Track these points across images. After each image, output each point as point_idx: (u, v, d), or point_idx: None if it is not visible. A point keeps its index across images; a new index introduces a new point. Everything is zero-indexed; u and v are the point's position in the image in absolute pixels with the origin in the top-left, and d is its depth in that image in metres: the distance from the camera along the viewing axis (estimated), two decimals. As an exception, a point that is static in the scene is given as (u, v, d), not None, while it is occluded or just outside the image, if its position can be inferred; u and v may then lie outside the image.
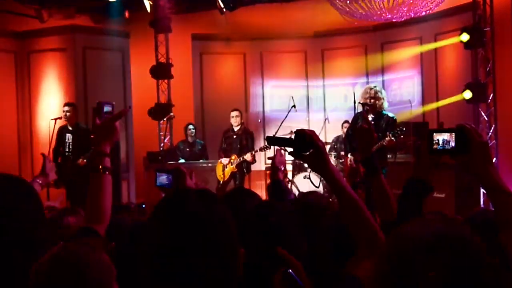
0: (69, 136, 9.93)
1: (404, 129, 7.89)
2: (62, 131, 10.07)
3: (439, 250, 1.40)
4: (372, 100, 8.26)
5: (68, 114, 9.97)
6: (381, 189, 2.73)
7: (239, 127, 10.57)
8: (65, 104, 10.25)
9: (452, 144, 1.91)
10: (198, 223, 1.62)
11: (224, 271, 1.61)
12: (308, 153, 1.99)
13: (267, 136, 2.03)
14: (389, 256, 1.45)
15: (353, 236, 2.04)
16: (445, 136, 1.93)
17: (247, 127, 11.15)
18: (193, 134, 11.68)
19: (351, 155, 8.62)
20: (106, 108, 2.67)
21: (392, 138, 7.78)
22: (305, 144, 1.99)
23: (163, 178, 2.79)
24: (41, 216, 2.19)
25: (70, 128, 10.01)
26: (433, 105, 11.95)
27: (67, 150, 9.89)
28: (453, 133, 1.91)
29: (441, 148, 1.94)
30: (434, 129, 1.96)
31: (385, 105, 8.36)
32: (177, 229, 1.61)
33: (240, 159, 10.25)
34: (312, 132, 2.00)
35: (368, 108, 8.30)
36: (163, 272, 1.60)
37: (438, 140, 1.95)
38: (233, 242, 1.66)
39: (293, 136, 2.01)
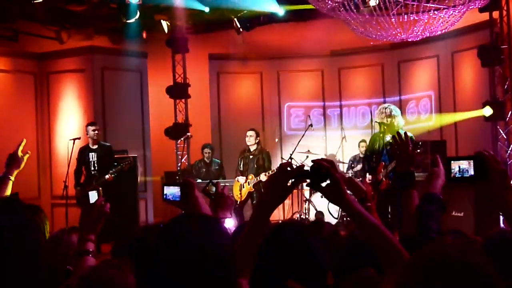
0: (92, 155, 10.13)
1: (420, 144, 7.90)
2: (84, 151, 10.23)
3: (456, 278, 1.40)
4: (388, 119, 8.28)
5: (96, 133, 10.25)
6: (409, 204, 2.75)
7: (255, 147, 10.56)
8: (91, 124, 10.43)
9: (471, 172, 1.91)
10: (199, 247, 1.63)
11: None
12: (325, 184, 2.00)
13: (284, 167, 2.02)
14: (408, 280, 1.45)
15: (379, 258, 2.03)
16: (464, 164, 1.93)
17: (263, 147, 11.16)
18: (208, 156, 11.74)
19: (369, 174, 8.62)
20: (92, 198, 2.79)
21: None
22: (321, 176, 1.99)
23: (170, 192, 2.82)
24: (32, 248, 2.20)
25: (93, 147, 10.20)
26: (451, 118, 11.88)
27: (92, 168, 10.09)
28: (471, 161, 1.91)
29: (460, 176, 1.94)
30: (452, 157, 1.96)
31: (401, 122, 8.40)
32: (177, 254, 1.63)
33: (257, 179, 10.25)
34: (330, 163, 2.01)
35: (385, 127, 8.31)
36: None
37: (456, 168, 1.94)
38: (230, 269, 1.67)
39: (309, 165, 2.02)
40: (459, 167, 1.94)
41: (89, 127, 10.30)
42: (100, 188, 2.83)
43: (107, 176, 9.85)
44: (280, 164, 2.12)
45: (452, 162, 1.96)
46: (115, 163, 10.02)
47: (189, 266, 1.59)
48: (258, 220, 2.01)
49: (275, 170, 10.02)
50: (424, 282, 1.42)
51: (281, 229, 2.35)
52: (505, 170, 1.89)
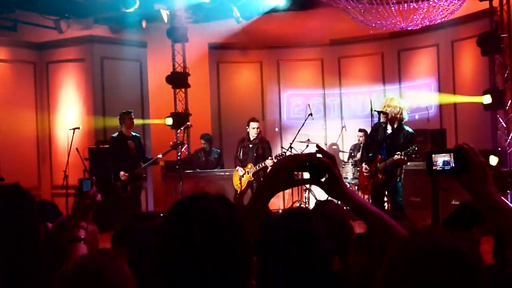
0: (131, 143, 10.40)
1: (416, 148, 8.00)
2: (124, 138, 10.44)
3: (432, 263, 1.44)
4: (388, 109, 8.30)
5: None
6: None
7: (255, 136, 10.57)
8: (128, 112, 10.57)
9: (452, 164, 1.93)
10: (214, 221, 1.62)
11: (233, 273, 1.62)
12: (323, 179, 2.02)
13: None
14: (398, 267, 1.48)
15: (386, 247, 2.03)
16: (445, 157, 1.95)
17: (263, 136, 11.16)
18: (206, 146, 11.76)
19: (365, 164, 8.66)
20: (85, 187, 2.79)
21: (405, 157, 7.97)
22: (320, 171, 2.01)
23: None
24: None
25: (129, 135, 10.49)
26: (451, 99, 11.88)
27: (133, 155, 10.39)
28: (452, 154, 1.94)
29: (441, 169, 1.97)
30: (433, 150, 1.98)
31: (405, 116, 8.39)
32: (192, 225, 1.61)
33: (257, 168, 10.25)
34: (331, 158, 2.01)
35: (386, 117, 8.34)
36: (172, 267, 1.60)
37: (437, 161, 1.97)
38: (245, 247, 1.67)
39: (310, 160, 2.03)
40: (441, 160, 1.96)
41: (131, 115, 10.53)
42: (94, 178, 2.81)
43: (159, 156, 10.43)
44: (278, 160, 2.13)
45: (433, 155, 1.98)
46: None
47: (202, 242, 1.59)
48: (256, 203, 2.02)
49: (275, 157, 10.08)
50: (413, 269, 1.44)
51: (285, 217, 2.36)
52: (484, 162, 1.91)
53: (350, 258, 3.23)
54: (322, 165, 1.99)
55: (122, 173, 10.14)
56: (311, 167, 2.02)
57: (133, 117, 10.57)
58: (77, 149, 10.50)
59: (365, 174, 8.62)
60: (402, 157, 8.01)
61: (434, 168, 1.98)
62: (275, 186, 2.02)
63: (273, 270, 1.85)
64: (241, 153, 10.66)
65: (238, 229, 1.66)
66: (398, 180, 8.41)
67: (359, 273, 2.83)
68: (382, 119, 8.44)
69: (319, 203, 3.57)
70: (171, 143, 10.63)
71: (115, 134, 10.58)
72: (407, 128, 8.44)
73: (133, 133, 10.63)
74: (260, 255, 1.84)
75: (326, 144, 13.31)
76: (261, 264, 1.83)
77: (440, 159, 1.96)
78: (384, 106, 8.36)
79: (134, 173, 10.26)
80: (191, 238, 1.60)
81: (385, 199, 8.98)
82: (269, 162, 10.05)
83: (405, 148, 8.08)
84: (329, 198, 2.26)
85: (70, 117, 12.38)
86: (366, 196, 8.76)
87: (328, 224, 2.51)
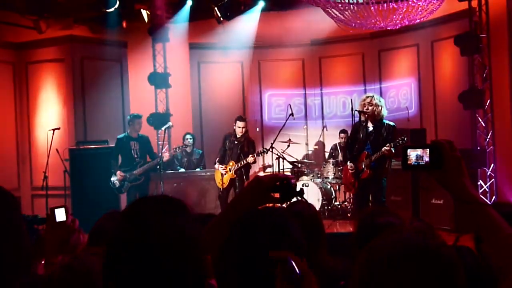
0: (134, 143, 10.67)
1: (405, 138, 8.01)
2: (127, 139, 10.67)
3: (406, 263, 1.44)
4: (369, 108, 8.33)
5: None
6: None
7: (241, 134, 10.54)
8: (139, 116, 10.90)
9: (426, 159, 1.94)
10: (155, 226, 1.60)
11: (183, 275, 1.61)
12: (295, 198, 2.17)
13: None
14: (371, 266, 1.49)
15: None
16: (419, 151, 1.95)
17: (249, 135, 11.16)
18: (190, 144, 11.74)
19: (350, 162, 8.67)
20: (60, 217, 2.54)
21: (393, 149, 7.96)
22: (292, 193, 2.12)
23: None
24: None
25: (134, 136, 10.73)
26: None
27: (135, 156, 10.62)
28: (427, 149, 1.94)
29: (415, 164, 1.97)
30: (408, 145, 1.99)
31: (384, 112, 8.45)
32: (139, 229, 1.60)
33: (238, 165, 10.23)
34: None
35: (366, 116, 8.39)
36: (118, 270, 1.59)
37: (411, 156, 1.97)
38: (193, 249, 1.65)
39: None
40: (415, 154, 1.96)
41: (138, 119, 10.86)
42: (66, 206, 2.56)
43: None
44: (256, 176, 2.19)
45: (408, 150, 1.99)
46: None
47: (150, 250, 1.57)
48: (228, 213, 2.04)
49: (256, 154, 10.07)
50: (387, 267, 1.45)
51: (259, 212, 2.35)
52: (459, 157, 1.91)
53: (320, 257, 3.25)
54: (293, 185, 2.09)
55: (118, 172, 10.38)
56: (283, 187, 2.08)
57: (141, 121, 10.92)
58: (57, 150, 10.45)
59: (350, 171, 8.63)
60: (391, 148, 7.99)
61: (408, 163, 1.99)
62: (251, 200, 2.06)
63: (242, 268, 1.84)
64: (226, 147, 10.58)
65: (180, 233, 1.63)
66: (383, 178, 8.44)
67: (325, 272, 2.85)
68: (362, 118, 8.49)
69: (292, 202, 3.59)
70: (174, 147, 11.07)
71: (121, 135, 10.86)
72: (388, 122, 8.50)
73: (141, 134, 10.87)
74: (229, 254, 1.83)
75: (307, 144, 13.34)
76: (229, 262, 1.82)
77: (414, 154, 1.97)
78: (364, 105, 8.40)
79: (131, 173, 10.43)
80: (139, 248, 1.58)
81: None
82: (250, 159, 10.05)
83: (390, 140, 8.08)
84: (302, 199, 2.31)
85: (50, 117, 12.30)
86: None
87: (301, 222, 2.51)
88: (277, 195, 2.15)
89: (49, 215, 2.54)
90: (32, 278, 2.16)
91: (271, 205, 2.18)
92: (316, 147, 13.38)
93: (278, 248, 1.87)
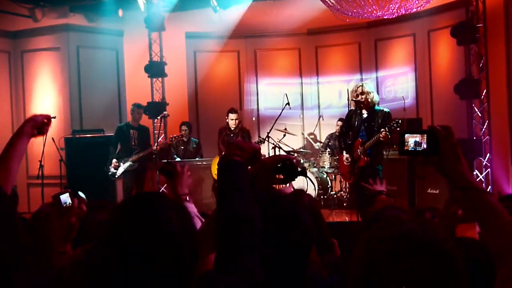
0: (134, 132, 10.87)
1: (400, 121, 7.96)
2: (127, 128, 10.89)
3: (404, 253, 1.45)
4: (362, 96, 8.34)
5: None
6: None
7: (235, 126, 10.52)
8: (140, 106, 11.16)
9: (424, 145, 1.94)
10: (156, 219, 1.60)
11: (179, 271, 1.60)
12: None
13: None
14: (371, 256, 1.49)
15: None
16: (417, 137, 1.95)
17: (243, 125, 11.14)
18: (186, 134, 11.73)
19: (346, 153, 8.66)
20: (64, 200, 2.49)
21: (388, 132, 7.90)
22: (294, 172, 2.15)
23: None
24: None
25: (134, 125, 10.94)
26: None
27: (133, 144, 10.80)
28: (425, 135, 1.94)
29: (413, 149, 1.97)
30: (406, 130, 1.99)
31: (376, 98, 8.45)
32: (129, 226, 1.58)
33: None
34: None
35: (361, 105, 8.39)
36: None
37: (409, 141, 1.97)
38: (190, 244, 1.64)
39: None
40: (413, 140, 1.96)
41: (139, 109, 11.12)
42: (70, 190, 2.51)
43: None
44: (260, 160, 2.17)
45: (406, 135, 1.98)
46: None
47: (141, 246, 1.55)
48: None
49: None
50: (388, 257, 1.45)
51: (270, 201, 2.35)
52: (456, 143, 1.91)
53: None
54: (295, 167, 2.09)
55: (114, 160, 10.55)
56: (285, 168, 2.08)
57: (142, 111, 11.18)
58: (52, 138, 10.41)
59: (345, 163, 8.64)
60: (387, 132, 7.92)
61: (405, 148, 1.98)
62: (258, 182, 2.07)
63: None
64: (222, 140, 10.58)
65: (179, 232, 1.62)
66: (379, 164, 8.42)
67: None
68: (355, 107, 8.50)
69: (294, 191, 3.59)
70: (170, 136, 10.93)
71: (122, 124, 11.13)
72: (381, 107, 8.50)
73: (141, 125, 11.09)
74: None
75: (303, 134, 13.33)
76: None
77: (412, 140, 1.97)
78: (357, 95, 8.39)
79: (125, 159, 10.58)
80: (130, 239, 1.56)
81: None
82: None
83: (385, 125, 8.02)
84: (304, 189, 2.31)
85: (46, 106, 12.26)
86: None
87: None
88: (280, 176, 2.16)
89: (54, 203, 2.48)
90: (43, 273, 2.16)
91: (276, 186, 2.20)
92: (312, 136, 13.37)
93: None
